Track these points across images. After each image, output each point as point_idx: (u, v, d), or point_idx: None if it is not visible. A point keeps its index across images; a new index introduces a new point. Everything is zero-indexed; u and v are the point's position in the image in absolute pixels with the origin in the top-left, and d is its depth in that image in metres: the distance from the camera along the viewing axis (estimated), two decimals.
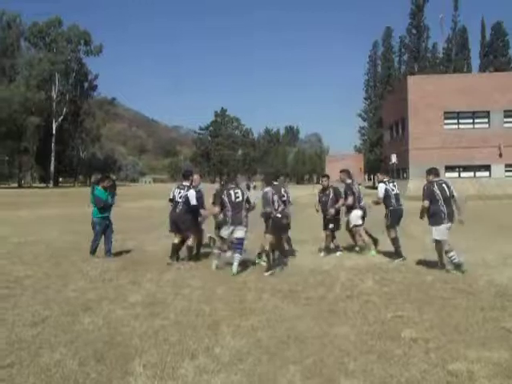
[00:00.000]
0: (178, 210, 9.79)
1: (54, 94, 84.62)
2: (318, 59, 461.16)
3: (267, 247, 8.87)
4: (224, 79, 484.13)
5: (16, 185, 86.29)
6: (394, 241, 9.91)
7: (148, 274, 8.48)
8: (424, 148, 39.63)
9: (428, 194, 8.58)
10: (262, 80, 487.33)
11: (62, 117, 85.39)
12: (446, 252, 8.45)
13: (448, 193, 8.58)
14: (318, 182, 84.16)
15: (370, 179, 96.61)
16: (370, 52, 79.76)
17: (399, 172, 44.84)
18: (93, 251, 10.34)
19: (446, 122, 40.40)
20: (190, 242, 9.76)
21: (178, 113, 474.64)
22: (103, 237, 10.50)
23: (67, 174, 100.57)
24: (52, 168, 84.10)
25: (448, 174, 40.21)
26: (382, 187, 10.07)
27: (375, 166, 66.16)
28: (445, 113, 40.10)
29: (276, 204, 8.95)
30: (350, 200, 10.53)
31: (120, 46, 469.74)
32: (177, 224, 9.77)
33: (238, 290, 7.33)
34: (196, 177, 10.27)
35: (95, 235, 10.39)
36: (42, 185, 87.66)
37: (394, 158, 43.61)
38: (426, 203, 8.54)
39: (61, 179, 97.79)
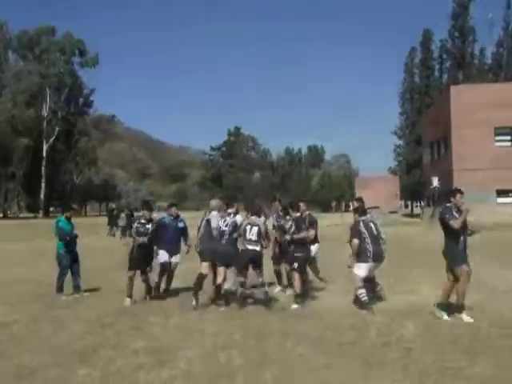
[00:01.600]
0: (224, 242, 9.62)
1: (44, 112, 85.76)
2: (344, 73, 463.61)
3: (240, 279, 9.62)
4: (237, 93, 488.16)
5: (1, 215, 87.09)
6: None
7: (151, 318, 8.49)
8: (471, 169, 39.24)
9: (355, 232, 9.39)
10: (280, 96, 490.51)
11: (53, 137, 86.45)
12: (357, 288, 9.24)
13: (375, 232, 9.44)
14: (346, 210, 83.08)
15: (406, 206, 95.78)
16: (405, 59, 79.42)
17: (441, 197, 44.45)
18: (58, 288, 10.79)
19: (497, 138, 40.02)
20: (229, 284, 9.59)
21: (185, 131, 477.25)
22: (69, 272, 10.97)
23: (59, 203, 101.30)
24: (42, 196, 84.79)
25: (500, 200, 39.75)
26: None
27: (414, 191, 65.79)
28: (495, 128, 39.76)
29: (248, 235, 9.49)
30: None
31: (119, 58, 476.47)
32: (227, 258, 9.62)
33: (257, 334, 7.29)
34: (215, 203, 10.24)
35: (61, 270, 10.84)
36: (31, 215, 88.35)
37: (435, 182, 43.13)
38: (356, 241, 9.25)
39: (52, 208, 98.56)
